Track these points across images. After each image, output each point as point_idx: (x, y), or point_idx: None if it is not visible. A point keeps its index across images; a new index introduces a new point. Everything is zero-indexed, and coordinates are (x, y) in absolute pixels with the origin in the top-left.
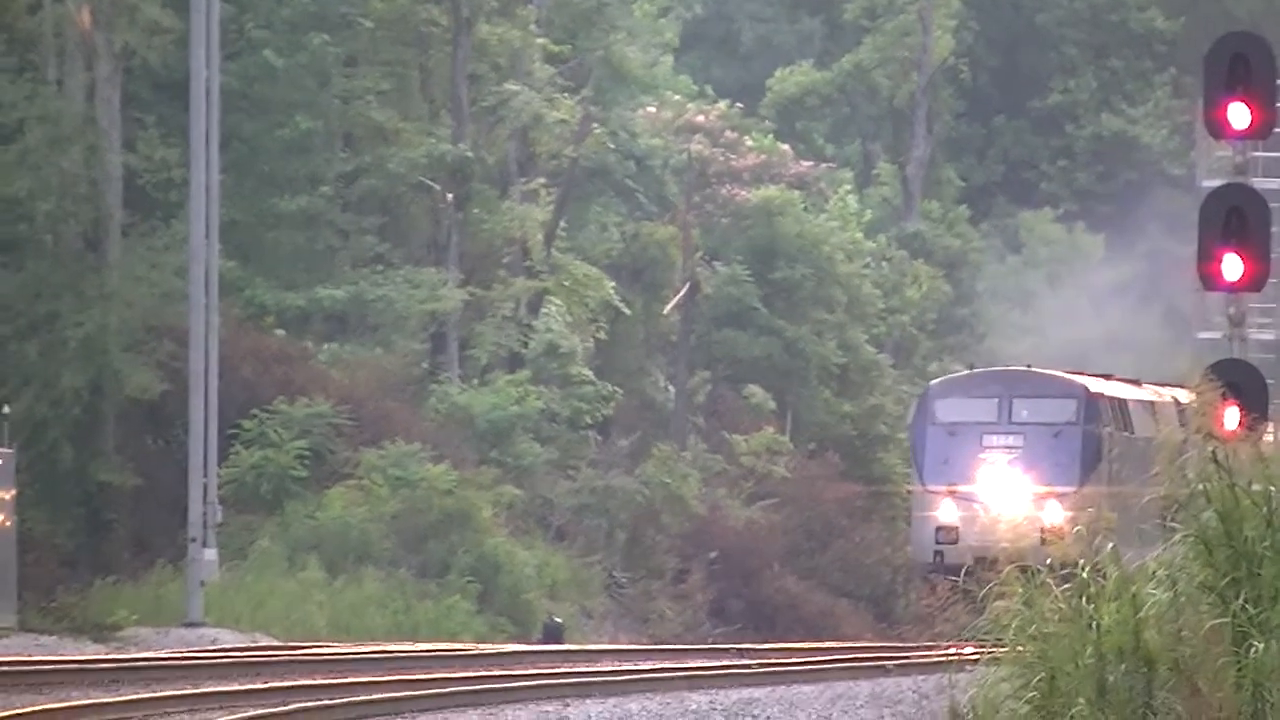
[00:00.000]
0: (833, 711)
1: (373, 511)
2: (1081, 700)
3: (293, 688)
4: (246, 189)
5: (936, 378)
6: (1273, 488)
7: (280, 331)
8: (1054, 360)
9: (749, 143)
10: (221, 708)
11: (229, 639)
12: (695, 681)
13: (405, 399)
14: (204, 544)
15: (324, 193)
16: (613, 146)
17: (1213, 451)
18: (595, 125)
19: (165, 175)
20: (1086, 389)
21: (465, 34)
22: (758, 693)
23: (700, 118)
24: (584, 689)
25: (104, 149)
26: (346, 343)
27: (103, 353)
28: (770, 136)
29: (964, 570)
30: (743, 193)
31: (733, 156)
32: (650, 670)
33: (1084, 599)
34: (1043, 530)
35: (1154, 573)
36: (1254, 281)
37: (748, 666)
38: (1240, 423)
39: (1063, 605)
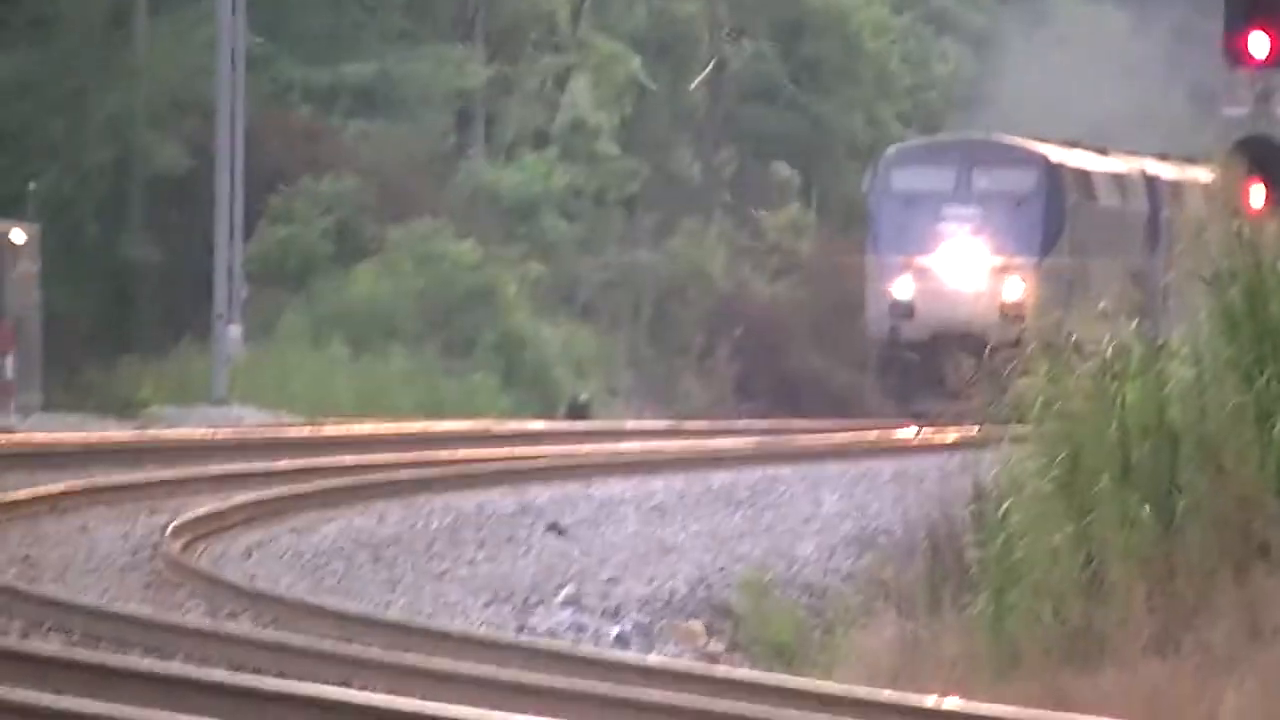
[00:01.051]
0: (856, 490)
1: (398, 288)
2: (1105, 477)
3: (317, 468)
4: None
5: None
6: None
7: (306, 108)
8: (1079, 136)
9: None
10: (245, 487)
11: (254, 417)
12: (720, 461)
13: (432, 176)
14: (230, 321)
15: None
16: None
17: (1238, 228)
18: None
19: None
20: (1048, 158)
21: None
22: (782, 471)
23: None
24: (608, 468)
25: None
26: (373, 119)
27: (129, 129)
28: None
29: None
30: None
31: None
32: (676, 449)
33: (1108, 376)
34: (1002, 305)
35: (1178, 350)
36: None
37: (772, 445)
38: (1266, 200)
39: (1087, 383)
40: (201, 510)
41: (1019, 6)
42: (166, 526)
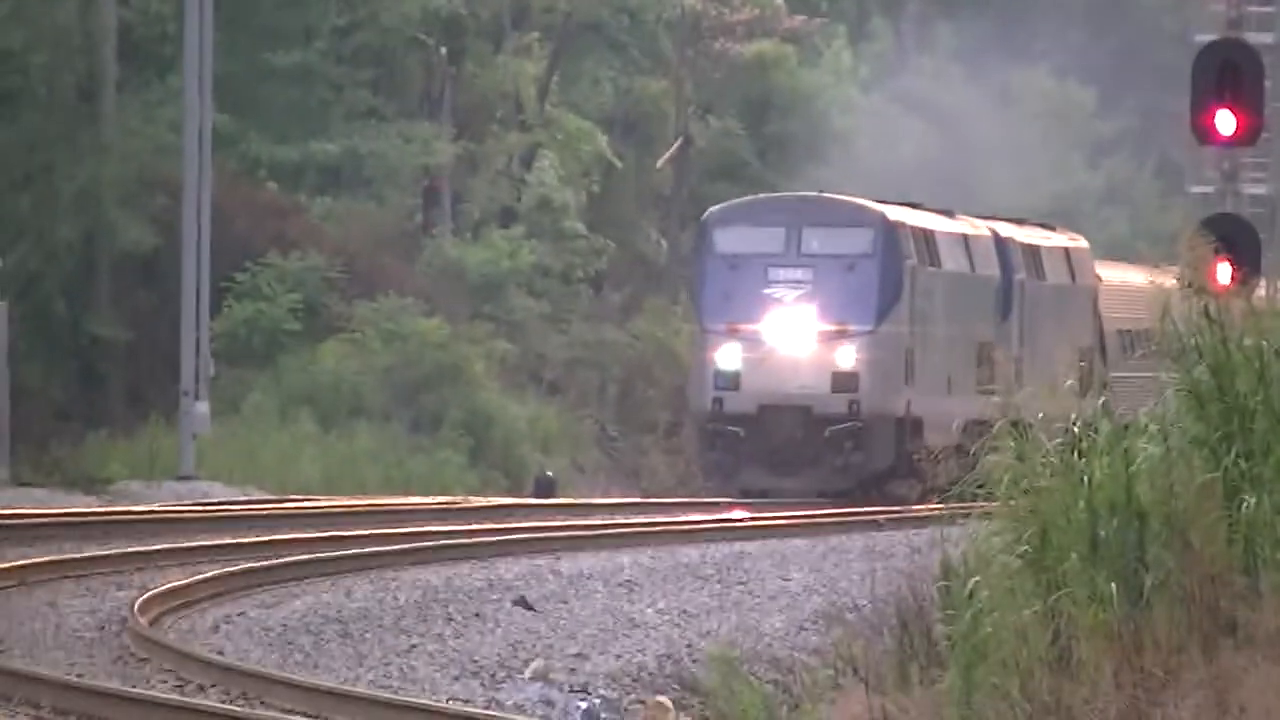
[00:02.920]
0: (824, 565)
1: (365, 365)
2: (1074, 554)
3: (285, 541)
4: (241, 43)
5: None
6: (1265, 342)
7: (273, 185)
8: (1047, 216)
9: None
10: (213, 561)
11: (221, 492)
12: (688, 535)
13: (398, 253)
14: (196, 397)
15: (318, 47)
16: (606, 0)
17: (1205, 306)
18: None
19: (160, 29)
20: (885, 216)
21: None
22: (749, 546)
23: None
24: (576, 542)
25: (98, 3)
26: (340, 196)
27: (96, 206)
28: None
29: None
30: (736, 47)
31: (726, 10)
32: (642, 524)
33: (1075, 453)
34: (835, 375)
35: (1146, 427)
36: (1247, 136)
37: (739, 520)
38: (1232, 278)
39: (1054, 459)
40: (169, 584)
41: (987, 85)
42: (134, 601)
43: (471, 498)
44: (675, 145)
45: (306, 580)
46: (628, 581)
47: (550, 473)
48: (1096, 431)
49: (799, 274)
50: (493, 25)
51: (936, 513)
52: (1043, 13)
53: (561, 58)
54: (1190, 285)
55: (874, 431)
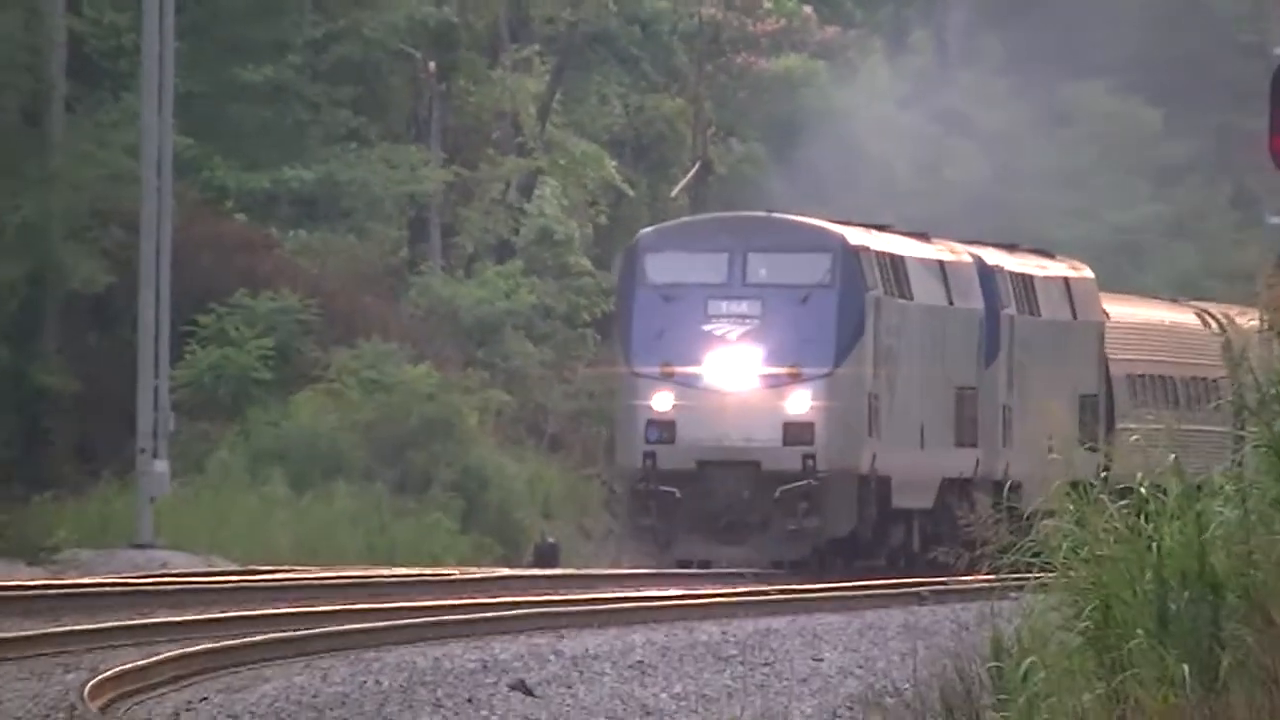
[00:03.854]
0: (860, 643)
1: (345, 419)
2: (1140, 631)
3: (253, 617)
4: (205, 57)
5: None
6: None
7: (242, 217)
8: (1108, 249)
9: (767, 4)
10: (172, 640)
11: (182, 562)
12: (707, 609)
13: (382, 292)
14: (155, 455)
15: (292, 61)
16: (615, 9)
17: None
18: None
19: (115, 42)
20: (845, 240)
21: None
22: (777, 623)
23: None
24: (582, 618)
25: (45, 11)
26: (316, 229)
27: (43, 241)
28: None
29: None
30: (761, 62)
31: (749, 21)
32: (655, 597)
33: (1142, 517)
34: (786, 425)
35: (1221, 488)
36: None
37: (765, 593)
38: None
39: (1119, 525)
40: (123, 666)
41: (1039, 103)
42: (84, 685)
43: (464, 568)
44: (692, 171)
45: (277, 661)
46: (639, 663)
47: (552, 539)
48: (1165, 493)
49: (744, 307)
50: (488, 37)
51: (986, 584)
52: (1101, 21)
53: (565, 73)
54: (1271, 328)
55: (832, 491)
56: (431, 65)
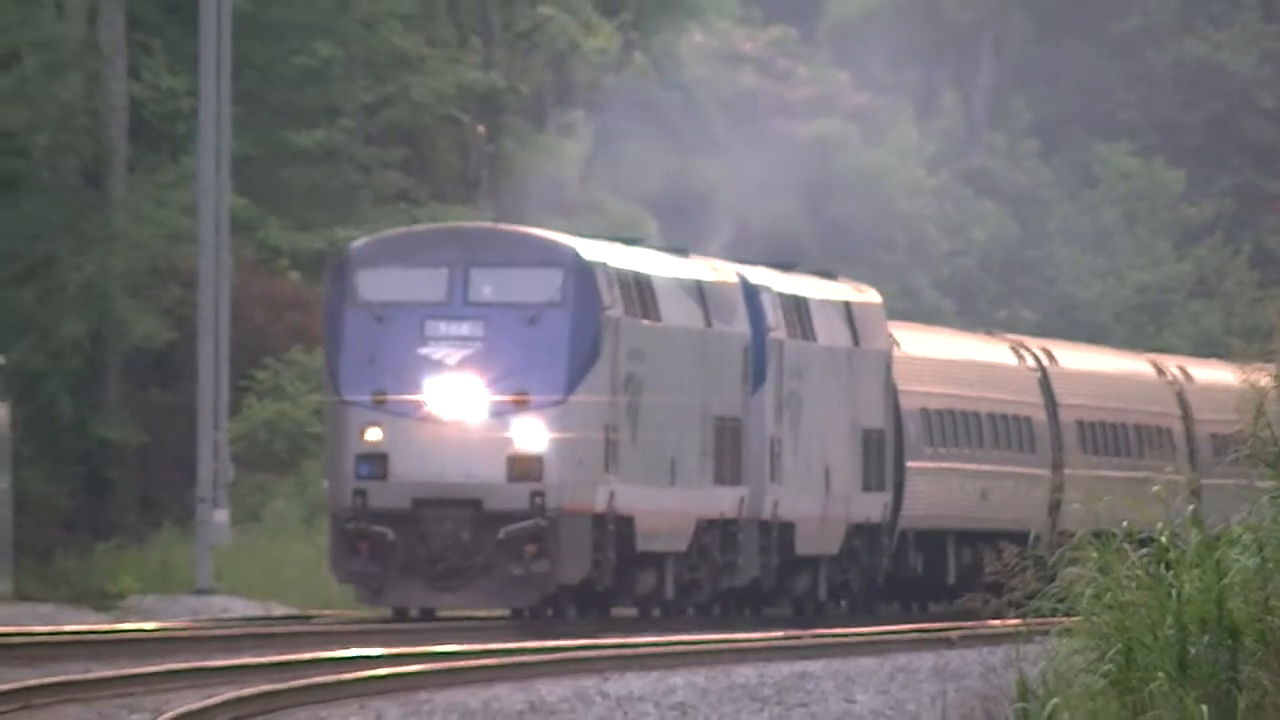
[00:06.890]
0: (892, 686)
1: None
2: (1161, 674)
3: (308, 661)
4: (260, 121)
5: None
6: None
7: (295, 275)
8: (1131, 309)
9: (802, 72)
10: (231, 682)
11: (240, 608)
12: (744, 654)
13: None
14: (214, 504)
15: (344, 125)
16: (655, 76)
17: None
18: (636, 53)
19: (173, 106)
20: (578, 254)
21: None
22: (812, 666)
23: (748, 45)
24: (624, 661)
25: (106, 77)
26: None
27: (105, 298)
28: (827, 65)
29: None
30: (796, 129)
31: (785, 87)
32: (695, 641)
33: (1163, 565)
34: (511, 459)
35: (1239, 537)
36: None
37: (800, 636)
38: None
39: (1140, 572)
40: (183, 709)
41: (1064, 165)
42: None
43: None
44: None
45: (332, 703)
46: (680, 704)
47: None
48: (1185, 542)
49: (466, 328)
50: (533, 102)
51: (1013, 629)
52: (1126, 84)
53: (607, 137)
54: None
55: (563, 533)
56: (480, 128)
